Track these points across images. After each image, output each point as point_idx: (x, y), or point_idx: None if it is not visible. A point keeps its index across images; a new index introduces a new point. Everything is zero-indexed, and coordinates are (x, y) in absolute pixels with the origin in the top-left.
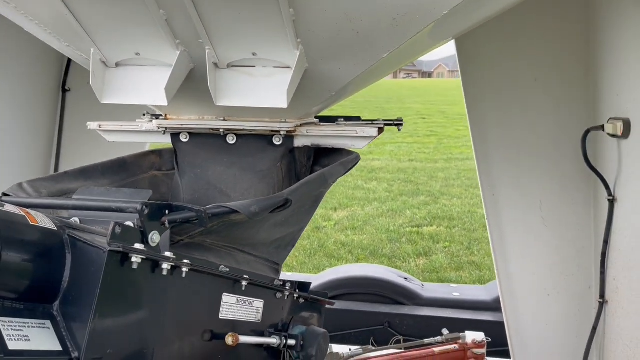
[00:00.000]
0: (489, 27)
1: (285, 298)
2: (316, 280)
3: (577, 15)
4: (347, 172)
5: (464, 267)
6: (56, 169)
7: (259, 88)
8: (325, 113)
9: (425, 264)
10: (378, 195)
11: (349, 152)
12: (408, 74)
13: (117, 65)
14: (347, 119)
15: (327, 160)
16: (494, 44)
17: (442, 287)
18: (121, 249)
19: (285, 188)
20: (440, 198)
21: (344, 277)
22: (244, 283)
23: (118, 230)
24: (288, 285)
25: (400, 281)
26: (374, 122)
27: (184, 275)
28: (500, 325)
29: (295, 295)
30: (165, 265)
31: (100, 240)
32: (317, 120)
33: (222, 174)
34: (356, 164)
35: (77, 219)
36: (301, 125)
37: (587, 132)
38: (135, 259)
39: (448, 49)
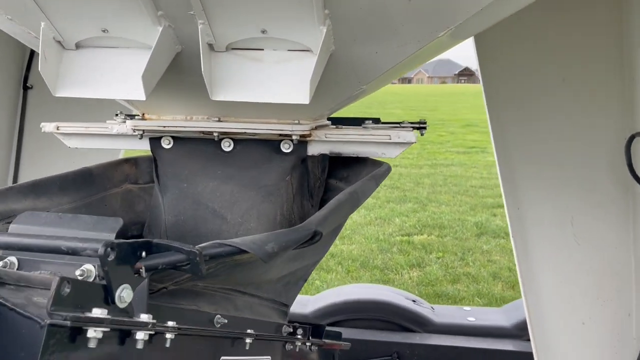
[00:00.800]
0: (510, 23)
1: (297, 349)
2: (314, 302)
3: (610, 7)
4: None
5: (460, 279)
6: (15, 180)
7: (270, 78)
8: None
9: (420, 276)
10: (364, 202)
11: (376, 162)
12: None
13: (77, 46)
14: (367, 121)
15: (346, 172)
16: (516, 41)
17: (454, 311)
18: (68, 322)
19: (296, 207)
20: (428, 205)
21: (345, 300)
22: (248, 341)
23: (66, 289)
24: (299, 332)
25: (409, 305)
26: (401, 125)
27: (167, 344)
28: (524, 356)
29: (308, 344)
30: (141, 335)
31: (39, 305)
32: (329, 123)
33: (215, 190)
34: (386, 176)
35: (14, 260)
36: (317, 128)
37: (632, 138)
38: (94, 334)
39: None
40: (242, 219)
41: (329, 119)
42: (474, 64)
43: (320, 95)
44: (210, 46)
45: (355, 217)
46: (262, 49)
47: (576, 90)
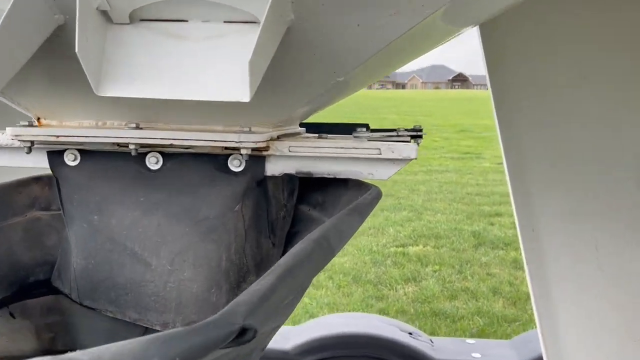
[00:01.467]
0: (520, 12)
1: None
2: (296, 336)
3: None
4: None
5: (458, 295)
6: None
7: (195, 63)
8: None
9: (415, 292)
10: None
11: (362, 184)
12: (382, 84)
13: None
14: (359, 128)
15: (321, 196)
16: (527, 34)
17: (456, 344)
18: None
19: (250, 247)
20: (423, 213)
21: (333, 334)
22: None
23: None
24: None
25: (405, 339)
26: (397, 133)
27: None
28: None
29: None
30: None
31: None
32: (302, 130)
33: (136, 224)
34: (375, 205)
35: None
36: (279, 138)
37: None
38: None
39: (421, 60)
40: (172, 266)
41: (304, 125)
42: (467, 70)
43: (277, 91)
44: (104, 15)
45: None
46: (186, 20)
47: (599, 92)
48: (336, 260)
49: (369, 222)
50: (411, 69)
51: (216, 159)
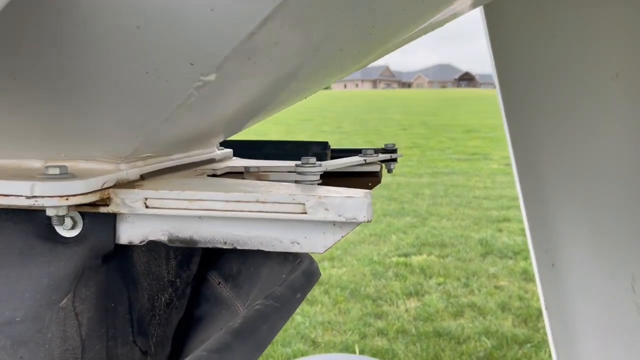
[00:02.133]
0: (528, 8)
1: None
2: None
3: None
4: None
5: (464, 311)
6: None
7: None
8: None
9: (418, 308)
10: None
11: (293, 259)
12: (388, 84)
13: None
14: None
15: (237, 264)
16: (535, 31)
17: None
18: None
19: None
20: (428, 219)
21: None
22: None
23: None
24: None
25: None
26: (365, 159)
27: None
28: None
29: None
30: None
31: None
32: (224, 154)
33: None
34: (314, 284)
35: None
36: (142, 178)
37: None
38: None
39: (427, 60)
40: None
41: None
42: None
43: (108, 101)
44: None
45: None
46: None
47: (634, 91)
48: (333, 272)
49: (370, 228)
50: (417, 68)
51: (32, 217)
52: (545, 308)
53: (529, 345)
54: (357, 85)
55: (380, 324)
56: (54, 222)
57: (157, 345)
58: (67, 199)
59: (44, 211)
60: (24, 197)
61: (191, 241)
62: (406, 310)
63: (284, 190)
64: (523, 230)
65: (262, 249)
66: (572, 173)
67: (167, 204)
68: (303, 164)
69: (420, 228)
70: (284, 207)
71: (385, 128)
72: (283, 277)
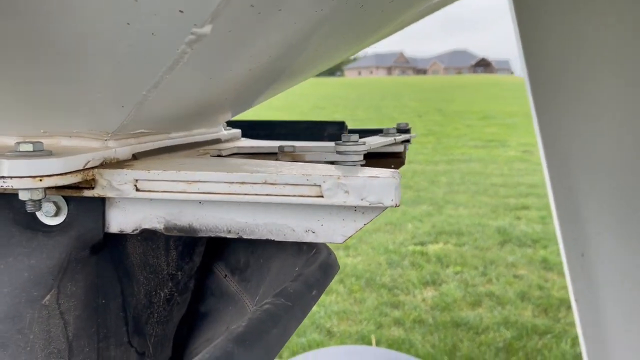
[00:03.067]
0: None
1: None
2: None
3: None
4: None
5: (482, 301)
6: None
7: None
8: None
9: (434, 297)
10: None
11: (308, 249)
12: (402, 70)
13: None
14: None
15: (245, 256)
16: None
17: None
18: None
19: None
20: (444, 207)
21: None
22: None
23: None
24: None
25: None
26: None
27: None
28: None
29: None
30: None
31: None
32: (233, 134)
33: None
34: (325, 287)
35: None
36: (135, 157)
37: None
38: None
39: (442, 46)
40: None
41: (230, 123)
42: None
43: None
44: None
45: None
46: None
47: None
48: (348, 261)
49: (385, 216)
50: (432, 54)
51: (11, 202)
52: (575, 299)
53: (549, 335)
54: (371, 72)
55: (396, 313)
56: (29, 207)
57: (156, 346)
58: (40, 180)
59: (21, 201)
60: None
61: (191, 229)
62: (423, 300)
63: (296, 170)
64: (542, 218)
65: (272, 238)
66: (601, 161)
67: (161, 186)
68: (344, 142)
69: (437, 216)
70: (297, 189)
71: (400, 115)
72: (297, 271)
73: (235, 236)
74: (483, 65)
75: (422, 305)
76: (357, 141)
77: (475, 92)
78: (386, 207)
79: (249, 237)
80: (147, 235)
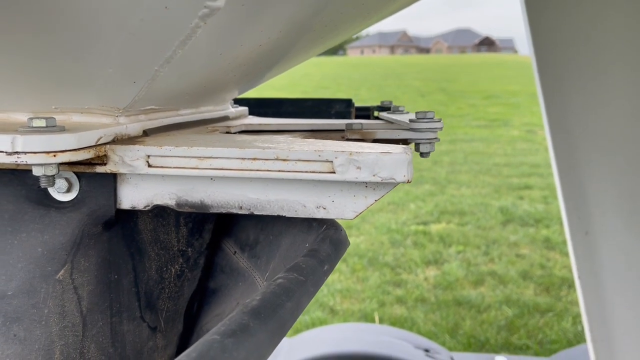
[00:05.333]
0: None
1: None
2: (290, 351)
3: None
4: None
5: (484, 280)
6: None
7: None
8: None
9: (437, 276)
10: None
11: (313, 219)
12: (405, 49)
13: None
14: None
15: (254, 232)
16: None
17: None
18: None
19: (97, 344)
20: (447, 187)
21: (330, 354)
22: None
23: None
24: None
25: (419, 359)
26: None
27: None
28: None
29: None
30: None
31: None
32: (240, 112)
33: None
34: (336, 263)
35: None
36: (145, 134)
37: None
38: None
39: (445, 24)
40: None
41: (237, 101)
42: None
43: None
44: None
45: None
46: None
47: None
48: (351, 240)
49: (388, 196)
50: (436, 33)
51: (23, 178)
52: (578, 277)
53: (551, 314)
54: (374, 52)
55: (399, 292)
56: (43, 183)
57: (168, 321)
58: (54, 156)
59: (33, 177)
60: (5, 154)
61: (202, 206)
62: (425, 279)
63: (308, 146)
64: (545, 197)
65: (283, 214)
66: (606, 138)
67: (173, 162)
68: (419, 118)
69: (439, 196)
70: (309, 165)
71: (403, 95)
72: (307, 247)
73: (247, 212)
74: (487, 44)
75: (425, 284)
76: (432, 118)
77: (479, 72)
78: (398, 183)
79: (260, 213)
80: (157, 212)
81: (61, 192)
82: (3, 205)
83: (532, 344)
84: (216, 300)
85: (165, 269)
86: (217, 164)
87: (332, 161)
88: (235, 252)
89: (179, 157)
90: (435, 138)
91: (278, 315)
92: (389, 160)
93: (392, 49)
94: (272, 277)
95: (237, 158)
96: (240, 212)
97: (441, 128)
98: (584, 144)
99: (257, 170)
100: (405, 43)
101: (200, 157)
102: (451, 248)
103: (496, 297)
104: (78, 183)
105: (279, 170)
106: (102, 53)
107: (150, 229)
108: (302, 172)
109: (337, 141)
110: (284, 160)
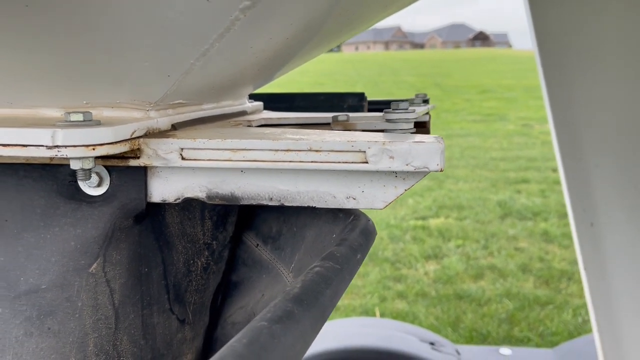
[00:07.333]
0: None
1: None
2: None
3: None
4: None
5: (484, 273)
6: None
7: None
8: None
9: (437, 270)
10: None
11: (339, 210)
12: (400, 45)
13: None
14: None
15: (276, 224)
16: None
17: (488, 355)
18: None
19: (129, 337)
20: (444, 181)
21: (335, 349)
22: None
23: None
24: None
25: (426, 353)
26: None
27: None
28: None
29: None
30: None
31: None
32: (255, 107)
33: None
34: (367, 252)
35: None
36: (174, 127)
37: None
38: None
39: (440, 19)
40: None
41: (255, 97)
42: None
43: (145, 29)
44: None
45: None
46: None
47: None
48: None
49: None
50: (430, 28)
51: (54, 174)
52: (584, 268)
53: (551, 306)
54: (368, 48)
55: (399, 287)
56: (80, 177)
57: (195, 314)
58: (93, 149)
59: (67, 167)
60: (45, 148)
61: (232, 198)
62: (425, 273)
63: (340, 137)
64: (542, 191)
65: (313, 205)
66: (611, 130)
67: (207, 154)
68: (393, 109)
69: (437, 191)
70: (342, 155)
71: (399, 90)
72: (337, 237)
73: (277, 204)
74: (481, 38)
75: (425, 278)
76: (406, 109)
77: (474, 66)
78: (429, 172)
79: (290, 205)
80: (183, 206)
81: (92, 187)
82: (35, 200)
83: (533, 336)
84: (239, 292)
85: (192, 261)
86: (250, 155)
87: (364, 151)
88: (257, 244)
89: (212, 149)
90: (410, 128)
91: (319, 302)
92: (422, 150)
93: (387, 44)
94: (299, 268)
95: (270, 150)
96: (270, 203)
97: (415, 118)
98: (588, 136)
99: (290, 161)
100: (400, 39)
101: (233, 149)
102: (450, 242)
103: (496, 291)
104: (108, 177)
105: (312, 161)
106: (139, 47)
107: (177, 222)
108: (334, 162)
109: (370, 132)
110: (317, 151)
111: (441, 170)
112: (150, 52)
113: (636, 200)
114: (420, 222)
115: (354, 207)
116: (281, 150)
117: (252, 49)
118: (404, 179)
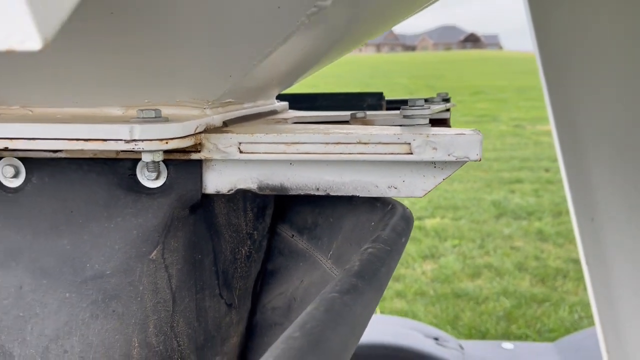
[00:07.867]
0: None
1: None
2: None
3: None
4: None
5: (480, 272)
6: None
7: None
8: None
9: (434, 270)
10: None
11: (375, 199)
12: (391, 47)
13: None
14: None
15: (312, 215)
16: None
17: (491, 350)
18: None
19: (186, 316)
20: None
21: None
22: None
23: None
24: None
25: (430, 348)
26: (429, 105)
27: None
28: None
29: None
30: None
31: None
32: (282, 106)
33: None
34: (409, 236)
35: None
36: (225, 125)
37: None
38: None
39: (430, 21)
40: (45, 358)
41: (286, 97)
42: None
43: (208, 30)
44: None
45: None
46: None
47: None
48: None
49: None
50: (421, 30)
51: (115, 168)
52: (586, 263)
53: (547, 303)
54: (360, 50)
55: (398, 286)
56: (150, 168)
57: (240, 299)
58: (166, 143)
59: (126, 161)
60: (123, 142)
61: (282, 188)
62: (423, 273)
63: (387, 130)
64: (535, 191)
65: (357, 194)
66: (611, 126)
67: (262, 148)
68: (410, 106)
69: (433, 191)
70: (388, 147)
71: (391, 92)
72: (377, 224)
73: (323, 193)
74: (472, 40)
75: (423, 278)
76: (422, 106)
77: (465, 68)
78: (469, 161)
79: (335, 194)
80: (229, 198)
81: (150, 180)
82: (98, 192)
83: (531, 333)
84: (276, 280)
85: (237, 250)
86: (303, 148)
87: (410, 143)
88: (292, 235)
89: (268, 143)
90: (426, 124)
91: (377, 277)
92: (463, 141)
93: (378, 47)
94: (338, 255)
95: (322, 143)
96: (317, 193)
97: (430, 114)
98: (589, 133)
99: (341, 153)
100: (391, 41)
101: (287, 142)
102: (447, 242)
103: (493, 289)
104: (166, 170)
105: (360, 153)
106: (203, 47)
107: (224, 213)
108: (382, 154)
109: (412, 126)
110: (365, 143)
111: (479, 160)
112: (215, 52)
113: (636, 195)
114: (416, 223)
115: (395, 196)
116: (332, 143)
117: (301, 51)
118: (442, 168)
